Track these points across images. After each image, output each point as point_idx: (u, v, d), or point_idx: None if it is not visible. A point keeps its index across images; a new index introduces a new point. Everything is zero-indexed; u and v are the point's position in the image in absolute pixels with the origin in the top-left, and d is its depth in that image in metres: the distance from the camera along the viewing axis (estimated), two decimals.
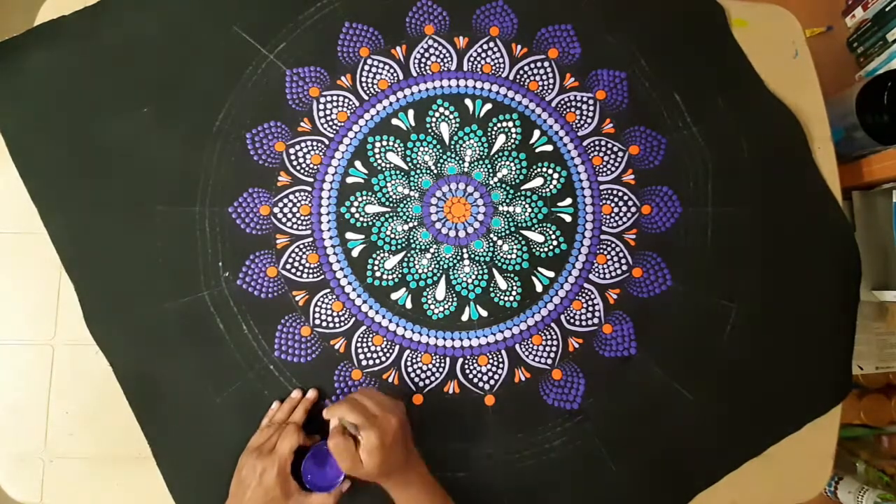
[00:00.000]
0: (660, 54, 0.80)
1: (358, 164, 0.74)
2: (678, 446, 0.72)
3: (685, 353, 0.74)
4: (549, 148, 0.77)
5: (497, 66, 0.78)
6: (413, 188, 0.75)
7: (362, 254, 0.73)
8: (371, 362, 0.71)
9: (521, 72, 0.78)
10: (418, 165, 0.75)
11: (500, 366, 0.72)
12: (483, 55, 0.78)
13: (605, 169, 0.77)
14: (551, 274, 0.74)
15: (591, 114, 0.78)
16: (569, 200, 0.76)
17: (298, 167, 0.74)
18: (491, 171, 0.76)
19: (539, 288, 0.74)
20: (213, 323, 0.70)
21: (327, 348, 0.71)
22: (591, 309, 0.74)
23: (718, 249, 0.76)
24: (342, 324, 0.71)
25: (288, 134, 0.74)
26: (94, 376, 0.69)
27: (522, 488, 0.70)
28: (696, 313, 0.75)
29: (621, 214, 0.76)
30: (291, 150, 0.74)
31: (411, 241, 0.74)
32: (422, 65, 0.77)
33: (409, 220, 0.74)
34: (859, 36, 1.19)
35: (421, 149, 0.75)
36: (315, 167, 0.74)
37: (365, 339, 0.71)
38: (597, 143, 0.77)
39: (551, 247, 0.75)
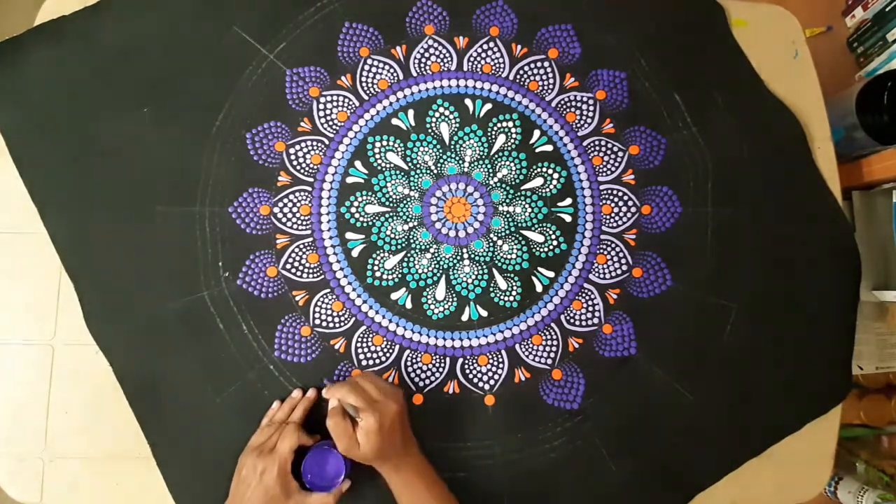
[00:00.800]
0: (660, 54, 0.80)
1: (358, 164, 0.74)
2: (678, 446, 0.72)
3: (685, 353, 0.74)
4: (549, 148, 0.77)
5: (497, 66, 0.78)
6: (413, 188, 0.75)
7: (362, 254, 0.73)
8: (371, 362, 0.71)
9: (521, 72, 0.78)
10: (418, 165, 0.75)
11: (500, 366, 0.72)
12: (483, 55, 0.78)
13: (605, 169, 0.77)
14: (551, 274, 0.74)
15: (591, 114, 0.78)
16: (569, 200, 0.76)
17: (298, 167, 0.74)
18: (491, 171, 0.76)
19: (539, 288, 0.74)
20: (213, 323, 0.70)
21: (327, 348, 0.71)
22: (591, 309, 0.74)
23: (718, 249, 0.76)
24: (342, 324, 0.71)
25: (288, 134, 0.74)
26: (94, 376, 0.69)
27: (522, 488, 0.70)
28: (696, 313, 0.75)
29: (621, 214, 0.76)
30: (291, 150, 0.74)
31: (411, 241, 0.74)
32: (422, 65, 0.77)
33: (409, 220, 0.74)
34: (859, 36, 1.19)
35: (421, 149, 0.75)
36: (315, 167, 0.74)
37: (365, 339, 0.71)
38: (597, 143, 0.77)
39: (551, 247, 0.75)
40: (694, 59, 0.81)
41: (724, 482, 0.72)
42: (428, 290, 0.73)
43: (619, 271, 0.75)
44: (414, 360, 0.71)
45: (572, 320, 0.73)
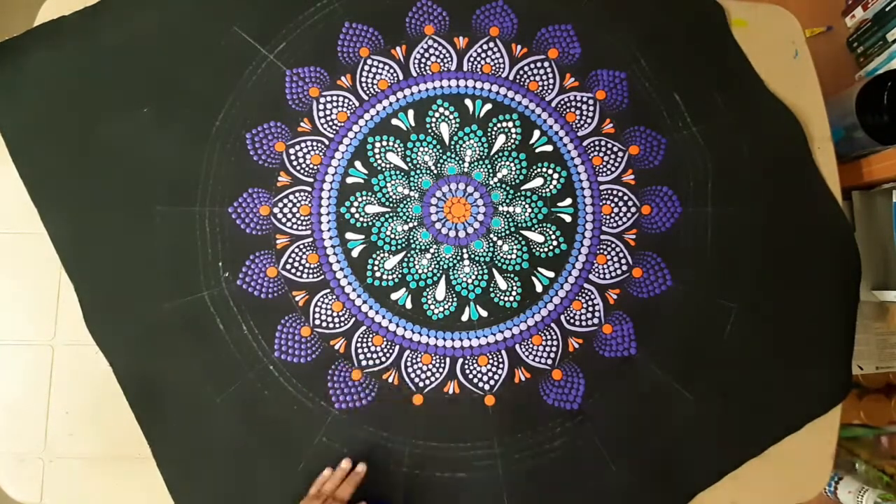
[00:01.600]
0: (660, 54, 0.80)
1: (358, 164, 0.74)
2: (678, 446, 0.72)
3: (685, 353, 0.74)
4: (549, 148, 0.77)
5: (497, 66, 0.78)
6: (413, 188, 0.75)
7: (362, 254, 0.73)
8: (371, 362, 0.71)
9: (521, 72, 0.78)
10: (418, 165, 0.75)
11: (500, 366, 0.72)
12: (483, 55, 0.78)
13: (605, 169, 0.77)
14: (551, 274, 0.74)
15: (591, 114, 0.78)
16: (569, 200, 0.76)
17: (298, 167, 0.74)
18: (491, 171, 0.76)
19: (539, 288, 0.74)
20: (213, 323, 0.70)
21: (327, 348, 0.71)
22: (591, 309, 0.74)
23: (718, 249, 0.76)
24: (342, 324, 0.71)
25: (288, 134, 0.74)
26: (94, 376, 0.69)
27: (522, 488, 0.70)
28: (696, 313, 0.75)
29: (621, 214, 0.76)
30: (291, 150, 0.74)
31: (411, 241, 0.74)
32: (422, 65, 0.77)
33: (409, 220, 0.74)
34: (859, 36, 1.19)
35: (421, 149, 0.75)
36: (315, 167, 0.74)
37: (365, 340, 0.71)
38: (597, 143, 0.77)
39: (551, 247, 0.75)
40: (694, 59, 0.81)
41: (724, 482, 0.72)
42: (428, 290, 0.73)
43: (619, 271, 0.75)
44: (414, 361, 0.71)
45: (572, 320, 0.73)
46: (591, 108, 0.78)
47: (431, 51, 0.77)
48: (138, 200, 0.71)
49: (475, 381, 0.71)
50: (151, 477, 0.67)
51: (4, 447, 0.69)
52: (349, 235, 0.73)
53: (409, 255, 0.73)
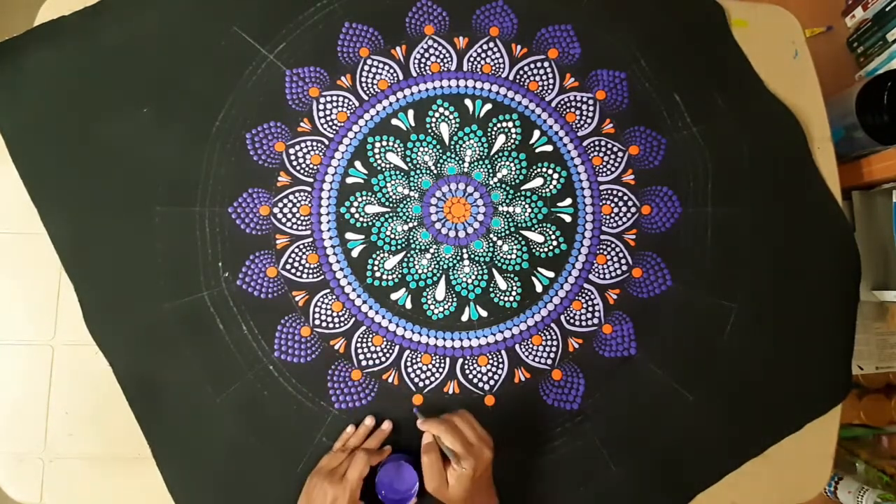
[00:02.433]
0: (660, 54, 0.80)
1: (358, 164, 0.74)
2: (678, 446, 0.72)
3: (685, 353, 0.74)
4: (549, 148, 0.77)
5: (497, 66, 0.78)
6: (413, 188, 0.75)
7: (362, 254, 0.73)
8: (371, 362, 0.71)
9: (521, 72, 0.78)
10: (418, 165, 0.75)
11: (500, 366, 0.72)
12: (483, 55, 0.78)
13: (605, 169, 0.77)
14: (551, 274, 0.74)
15: (591, 114, 0.78)
16: (569, 200, 0.76)
17: (298, 167, 0.74)
18: (491, 171, 0.76)
19: (539, 288, 0.74)
20: (212, 323, 0.70)
21: (327, 348, 0.71)
22: (590, 309, 0.74)
23: (718, 249, 0.76)
24: (342, 324, 0.71)
25: (288, 134, 0.74)
26: (94, 376, 0.69)
27: (522, 488, 0.70)
28: (696, 313, 0.75)
29: (621, 214, 0.76)
30: (291, 151, 0.74)
31: (411, 241, 0.74)
32: (422, 65, 0.77)
33: (408, 220, 0.74)
34: (859, 36, 1.19)
35: (421, 149, 0.75)
36: (315, 167, 0.74)
37: (365, 340, 0.71)
38: (597, 143, 0.77)
39: (551, 247, 0.75)
40: (694, 59, 0.81)
41: (724, 482, 0.72)
42: (428, 290, 0.73)
43: (618, 271, 0.75)
44: (414, 361, 0.71)
45: (572, 320, 0.73)
46: (591, 108, 0.78)
47: (431, 51, 0.77)
48: (138, 200, 0.71)
49: (475, 381, 0.71)
50: (151, 477, 0.67)
51: (4, 447, 0.69)
52: (349, 235, 0.73)
53: (408, 255, 0.73)
